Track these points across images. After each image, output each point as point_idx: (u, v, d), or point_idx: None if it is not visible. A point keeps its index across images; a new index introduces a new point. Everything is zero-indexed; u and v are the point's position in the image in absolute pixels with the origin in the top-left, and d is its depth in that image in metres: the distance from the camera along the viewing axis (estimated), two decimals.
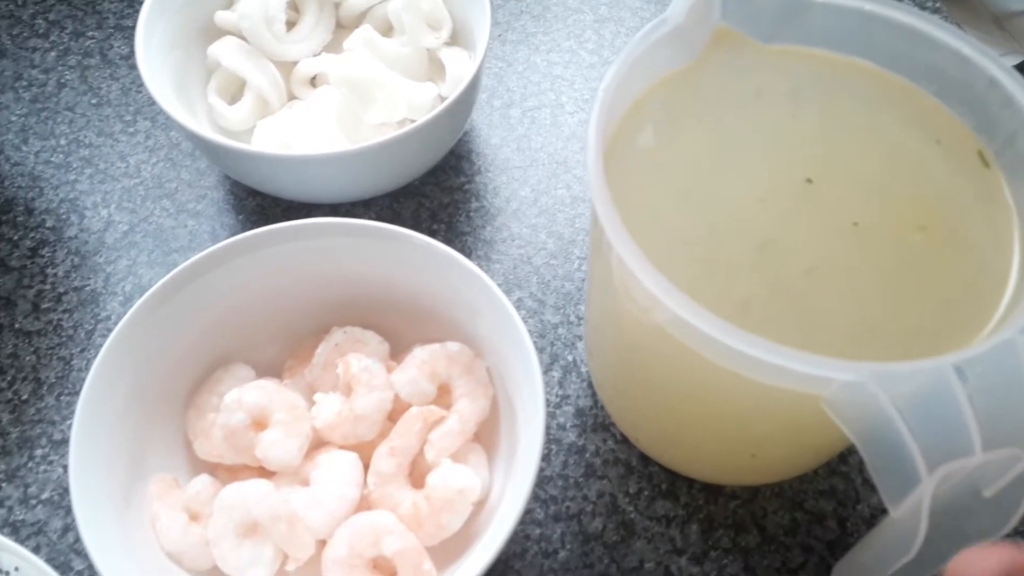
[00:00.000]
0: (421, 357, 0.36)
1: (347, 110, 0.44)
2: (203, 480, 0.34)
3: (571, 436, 0.40)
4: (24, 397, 0.40)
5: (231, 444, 0.34)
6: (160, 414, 0.35)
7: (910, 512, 0.22)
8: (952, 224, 0.28)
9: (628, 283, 0.26)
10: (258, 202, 0.47)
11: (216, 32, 0.47)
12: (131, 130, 0.50)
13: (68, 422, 0.40)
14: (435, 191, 0.48)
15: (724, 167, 0.30)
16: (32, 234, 0.46)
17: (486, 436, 0.36)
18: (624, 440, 0.39)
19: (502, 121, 0.51)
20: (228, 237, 0.45)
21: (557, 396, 0.41)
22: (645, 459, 0.39)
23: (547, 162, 0.50)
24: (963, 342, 0.25)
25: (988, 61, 0.28)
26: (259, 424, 0.34)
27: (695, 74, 0.31)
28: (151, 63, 0.42)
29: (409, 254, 0.36)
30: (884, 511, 0.38)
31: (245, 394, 0.34)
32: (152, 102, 0.51)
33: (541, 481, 0.38)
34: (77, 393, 0.40)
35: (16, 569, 0.33)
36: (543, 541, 0.37)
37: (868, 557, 0.29)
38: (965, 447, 0.21)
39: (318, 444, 0.36)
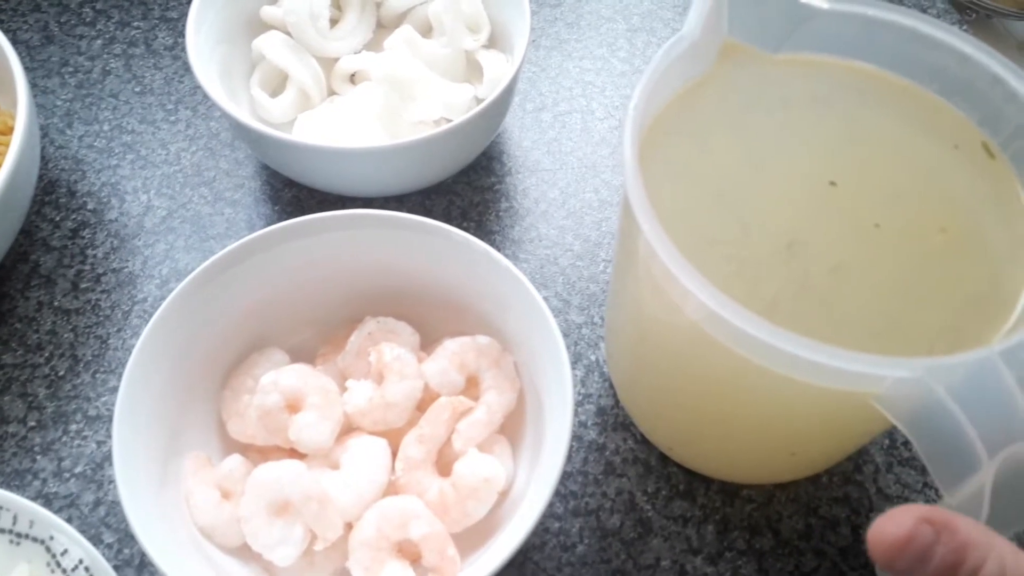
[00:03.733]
0: (451, 348, 0.37)
1: (387, 107, 0.45)
2: (235, 459, 0.35)
3: (592, 434, 0.41)
4: (61, 373, 0.41)
5: (265, 425, 0.35)
6: (196, 394, 0.36)
7: (969, 497, 0.23)
8: (971, 226, 0.29)
9: (668, 286, 0.26)
10: (294, 193, 0.48)
11: (261, 26, 0.48)
12: (172, 119, 0.51)
13: (103, 399, 0.41)
14: (466, 190, 0.49)
15: (750, 171, 0.31)
16: (74, 215, 0.47)
17: (511, 428, 0.37)
18: (643, 440, 0.40)
19: (534, 124, 0.52)
20: (264, 226, 0.46)
21: (579, 394, 0.42)
22: (664, 459, 0.40)
23: (576, 166, 0.51)
24: (985, 338, 0.26)
25: (989, 59, 0.29)
26: (293, 407, 0.35)
27: (709, 86, 0.32)
28: (199, 54, 0.43)
29: (444, 248, 0.37)
30: None
31: (281, 377, 0.35)
32: (194, 92, 0.52)
33: (562, 477, 0.39)
34: (113, 371, 0.42)
35: (51, 538, 0.34)
36: (562, 535, 0.38)
37: None
38: (1020, 431, 0.22)
39: (348, 429, 0.36)
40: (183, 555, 0.31)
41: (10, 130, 0.45)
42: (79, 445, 0.39)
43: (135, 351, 0.33)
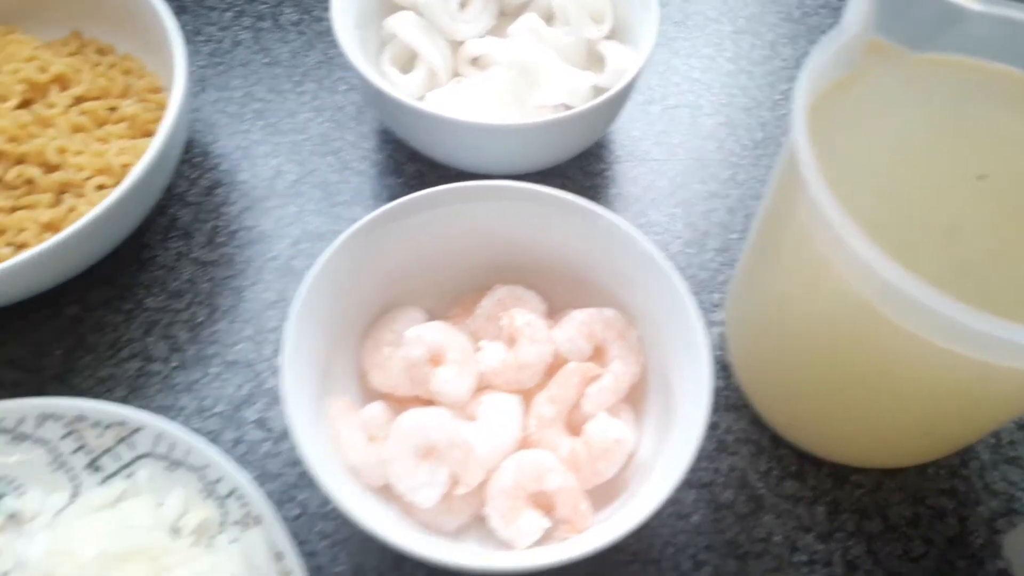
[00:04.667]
0: (579, 319, 0.39)
1: (513, 90, 0.47)
2: (378, 406, 0.37)
3: None
4: (200, 320, 0.44)
5: (409, 376, 0.37)
6: (341, 345, 0.38)
7: None
8: None
9: (835, 258, 0.28)
10: (417, 168, 0.50)
11: (391, 7, 0.51)
12: (299, 90, 0.53)
13: (239, 346, 0.43)
14: (578, 175, 0.51)
15: (900, 163, 0.32)
16: (208, 175, 0.49)
17: (634, 400, 0.39)
18: (755, 421, 0.41)
19: (642, 116, 0.54)
20: (389, 197, 0.48)
21: None
22: (775, 441, 0.41)
23: (684, 158, 0.52)
24: None
25: None
26: (435, 360, 0.37)
27: (857, 81, 0.33)
28: (343, 31, 0.46)
29: (580, 225, 0.38)
30: (1003, 515, 0.40)
31: (425, 332, 0.37)
32: (319, 66, 0.55)
33: None
34: (248, 321, 0.44)
35: (206, 467, 0.36)
36: (677, 504, 0.39)
37: None
38: None
39: (481, 387, 0.38)
40: (344, 489, 0.33)
41: (159, 89, 0.48)
42: (218, 387, 0.42)
43: (298, 300, 0.34)
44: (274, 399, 0.41)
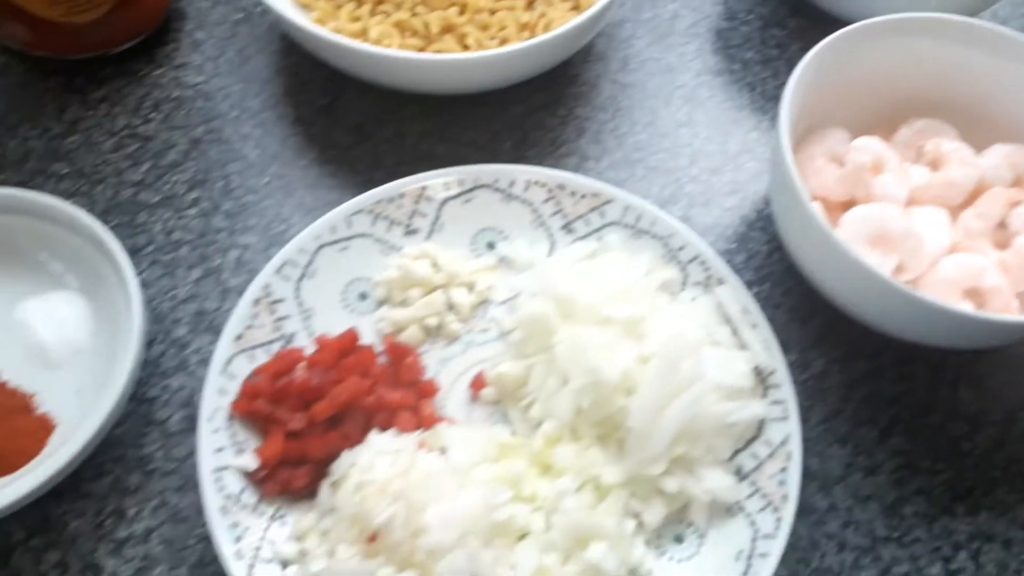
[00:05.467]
0: (1003, 151, 0.43)
1: None
2: (815, 205, 0.42)
3: None
4: (623, 131, 0.50)
5: (851, 179, 0.42)
6: None
7: None
8: None
9: None
10: (798, 22, 0.55)
11: None
12: None
13: (658, 155, 0.49)
14: None
15: None
16: (617, 11, 0.55)
17: None
18: None
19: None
20: (776, 45, 0.53)
21: None
22: None
23: None
24: None
25: None
26: (874, 169, 0.42)
27: None
28: None
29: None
30: None
31: (870, 144, 0.42)
32: None
33: None
34: (664, 135, 0.50)
35: (670, 236, 0.43)
36: None
37: None
38: None
39: (908, 203, 0.43)
40: None
41: None
42: (645, 186, 0.48)
43: (783, 112, 0.40)
44: (692, 201, 0.48)
